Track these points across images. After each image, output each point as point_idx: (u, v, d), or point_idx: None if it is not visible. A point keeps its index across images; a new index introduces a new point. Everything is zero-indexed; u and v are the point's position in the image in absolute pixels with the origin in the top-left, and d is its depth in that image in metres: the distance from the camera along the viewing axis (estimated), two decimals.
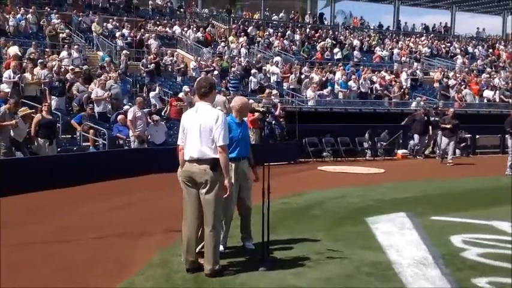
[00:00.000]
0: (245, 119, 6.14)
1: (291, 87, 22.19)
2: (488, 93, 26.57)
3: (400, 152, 18.44)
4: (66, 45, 19.58)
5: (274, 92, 20.08)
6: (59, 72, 15.66)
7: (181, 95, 16.89)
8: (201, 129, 5.01)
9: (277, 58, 24.59)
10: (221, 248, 5.51)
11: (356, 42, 30.28)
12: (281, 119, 16.92)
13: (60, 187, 10.00)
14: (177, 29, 25.91)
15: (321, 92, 21.84)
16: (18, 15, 21.47)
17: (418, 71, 27.29)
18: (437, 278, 5.14)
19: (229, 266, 5.30)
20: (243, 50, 25.03)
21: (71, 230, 7.06)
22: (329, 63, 25.61)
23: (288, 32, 29.36)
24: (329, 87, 22.34)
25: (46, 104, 12.42)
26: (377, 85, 23.83)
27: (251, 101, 13.76)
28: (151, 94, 17.08)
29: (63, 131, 13.68)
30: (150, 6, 29.61)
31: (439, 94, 24.67)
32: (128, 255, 5.86)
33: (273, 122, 16.28)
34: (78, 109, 14.57)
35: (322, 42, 28.70)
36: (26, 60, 16.08)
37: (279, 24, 32.54)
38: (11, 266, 5.37)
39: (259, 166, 5.46)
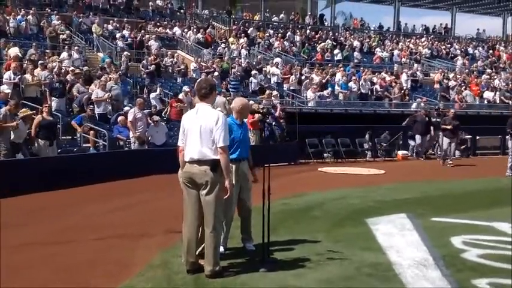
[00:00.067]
0: (245, 120, 6.14)
1: (291, 88, 22.20)
2: (488, 95, 26.59)
3: (400, 153, 18.45)
4: (66, 47, 19.60)
5: (275, 93, 20.10)
6: (60, 74, 15.67)
7: (181, 95, 16.90)
8: (202, 131, 5.01)
9: (278, 59, 24.61)
10: (221, 249, 5.51)
11: (356, 43, 30.30)
12: (281, 120, 16.93)
13: (60, 188, 10.00)
14: (177, 30, 25.94)
15: (321, 93, 21.86)
16: (19, 17, 21.51)
17: (418, 72, 27.29)
18: (437, 279, 5.14)
19: (229, 267, 5.30)
20: (243, 51, 25.04)
21: (71, 231, 7.06)
22: (329, 64, 25.62)
23: (288, 33, 29.38)
24: (329, 88, 22.35)
25: (46, 105, 12.42)
26: (377, 86, 23.84)
27: (251, 102, 13.80)
28: (152, 95, 17.09)
29: (64, 132, 13.68)
30: (150, 8, 29.66)
31: (439, 95, 24.67)
32: (128, 256, 5.86)
33: (273, 123, 16.29)
34: (79, 110, 14.58)
35: (323, 44, 28.73)
36: (26, 62, 16.08)
37: (279, 25, 32.58)
38: (11, 266, 5.37)
39: (260, 167, 5.46)
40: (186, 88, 17.27)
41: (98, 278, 5.10)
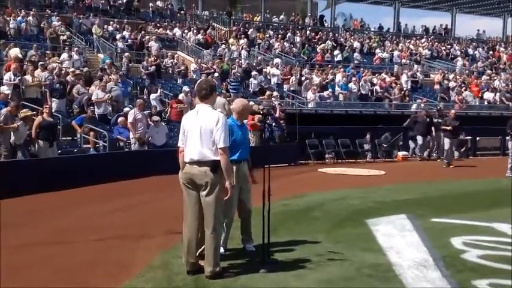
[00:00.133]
0: (245, 121, 6.14)
1: (291, 89, 22.22)
2: (488, 95, 26.60)
3: (400, 153, 18.44)
4: (66, 48, 19.64)
5: (275, 94, 20.11)
6: (60, 75, 15.67)
7: (181, 95, 16.91)
8: (202, 131, 5.01)
9: (278, 60, 24.63)
10: (222, 250, 5.51)
11: (356, 44, 30.33)
12: (281, 121, 16.94)
13: (60, 189, 10.00)
14: (177, 31, 25.96)
15: (322, 94, 21.86)
16: (19, 18, 21.52)
17: (418, 73, 27.32)
18: (437, 279, 5.14)
19: (229, 268, 5.30)
20: (244, 52, 25.06)
21: (72, 232, 7.06)
22: (329, 65, 25.64)
23: (289, 34, 29.43)
24: (329, 89, 22.36)
25: (47, 106, 12.42)
26: (377, 87, 23.86)
27: (251, 103, 13.80)
28: (152, 96, 17.09)
29: (64, 133, 13.68)
30: (150, 9, 29.72)
31: (439, 96, 24.69)
32: (128, 257, 5.86)
33: (273, 124, 16.30)
34: (79, 111, 14.59)
35: (323, 44, 28.77)
36: (26, 63, 16.09)
37: (280, 26, 32.61)
38: (11, 266, 5.37)
39: (260, 168, 5.46)
40: (186, 88, 17.29)
41: (98, 279, 5.10)
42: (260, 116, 9.96)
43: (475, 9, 41.90)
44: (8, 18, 21.11)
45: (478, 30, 39.21)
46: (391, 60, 29.76)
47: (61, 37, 20.85)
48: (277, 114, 16.76)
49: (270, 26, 32.07)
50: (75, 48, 19.53)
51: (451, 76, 28.06)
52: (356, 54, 28.63)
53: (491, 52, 34.90)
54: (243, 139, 5.83)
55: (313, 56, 27.49)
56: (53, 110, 13.28)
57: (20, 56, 16.67)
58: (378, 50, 30.41)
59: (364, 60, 28.80)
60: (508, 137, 13.98)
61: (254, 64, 23.37)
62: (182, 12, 31.77)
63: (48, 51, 19.53)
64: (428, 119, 17.75)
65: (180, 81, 20.62)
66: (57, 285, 4.94)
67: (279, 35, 28.65)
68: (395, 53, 30.33)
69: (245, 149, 5.87)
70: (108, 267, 5.47)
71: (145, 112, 14.21)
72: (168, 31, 26.07)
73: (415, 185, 11.80)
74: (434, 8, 42.52)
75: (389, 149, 18.59)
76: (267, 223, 5.39)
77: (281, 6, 38.47)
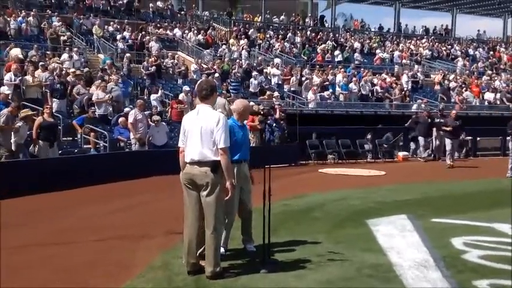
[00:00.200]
0: (245, 122, 6.15)
1: (291, 89, 22.23)
2: (489, 96, 26.59)
3: (400, 154, 18.43)
4: (67, 48, 19.64)
5: (275, 94, 20.11)
6: (60, 75, 15.69)
7: (181, 96, 16.92)
8: (202, 132, 5.01)
9: (278, 60, 24.63)
10: (222, 250, 5.51)
11: (357, 44, 30.33)
12: (281, 122, 16.94)
13: (61, 189, 10.01)
14: (177, 31, 25.97)
15: (322, 94, 21.86)
16: (20, 18, 21.52)
17: (418, 73, 27.34)
18: (438, 280, 5.14)
19: (230, 268, 5.30)
20: (244, 53, 25.07)
21: (72, 232, 7.06)
22: (330, 66, 25.64)
23: (289, 34, 29.43)
24: (330, 90, 22.35)
25: (48, 106, 12.43)
26: (378, 87, 23.87)
27: (252, 103, 13.81)
28: (153, 97, 17.10)
29: (64, 133, 13.69)
30: (151, 9, 29.72)
31: (439, 97, 24.69)
32: (128, 257, 5.86)
33: (274, 124, 16.29)
34: (79, 111, 14.60)
35: (323, 45, 28.78)
36: (27, 63, 16.11)
37: (280, 26, 32.61)
38: (11, 267, 5.38)
39: (260, 168, 5.45)
40: (186, 88, 17.29)
41: (98, 279, 5.10)
42: (260, 116, 9.95)
43: (475, 10, 41.91)
44: (8, 19, 21.11)
45: (479, 30, 39.27)
46: (391, 60, 29.76)
47: (61, 37, 20.87)
48: (277, 115, 16.76)
49: (271, 27, 32.08)
50: (76, 49, 19.55)
51: (451, 76, 28.05)
52: (356, 55, 28.64)
53: (491, 52, 34.90)
54: (244, 139, 5.83)
55: (313, 56, 27.49)
56: (54, 111, 13.28)
57: (20, 56, 16.69)
58: (378, 51, 30.42)
59: (365, 60, 28.80)
60: (508, 138, 13.98)
61: (254, 64, 23.38)
62: (182, 12, 31.78)
63: (48, 52, 19.54)
64: (429, 120, 17.70)
65: (180, 81, 20.63)
66: (57, 285, 4.94)
67: (280, 36, 28.65)
68: (396, 53, 30.33)
69: (246, 150, 5.88)
70: (108, 268, 5.47)
71: (145, 112, 14.21)
72: (168, 31, 26.09)
73: (415, 185, 11.78)
74: (435, 9, 42.55)
75: (389, 149, 18.59)
76: (268, 223, 5.40)
77: (281, 6, 38.48)
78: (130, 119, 13.31)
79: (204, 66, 21.90)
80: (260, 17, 34.20)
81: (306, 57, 26.91)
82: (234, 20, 31.94)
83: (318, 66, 25.57)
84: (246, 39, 26.84)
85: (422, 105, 22.42)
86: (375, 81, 24.36)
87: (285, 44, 27.64)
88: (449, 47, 34.40)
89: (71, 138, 13.85)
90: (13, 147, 10.95)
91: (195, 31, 26.33)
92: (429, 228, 7.37)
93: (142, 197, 10.03)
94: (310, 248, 6.11)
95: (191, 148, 5.07)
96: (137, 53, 22.17)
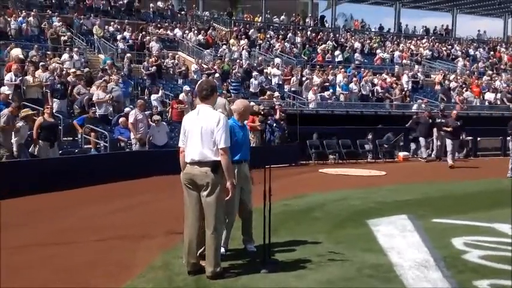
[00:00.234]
0: (245, 122, 6.15)
1: (292, 89, 22.22)
2: (489, 96, 26.58)
3: (401, 154, 18.42)
4: (67, 48, 19.65)
5: (276, 94, 20.11)
6: (61, 75, 15.69)
7: (182, 95, 16.92)
8: (203, 132, 5.01)
9: (278, 60, 24.63)
10: (222, 250, 5.51)
11: (357, 44, 30.34)
12: (282, 122, 16.94)
13: (61, 189, 10.01)
14: (178, 31, 25.98)
15: (322, 94, 21.86)
16: (20, 18, 21.53)
17: (419, 74, 27.33)
18: (438, 280, 5.14)
19: (230, 268, 5.30)
20: (244, 53, 25.07)
21: (72, 232, 7.07)
22: (330, 66, 25.64)
23: (289, 34, 29.43)
24: (330, 90, 22.35)
25: (48, 106, 12.43)
26: (378, 87, 23.86)
27: (252, 103, 13.80)
28: (153, 97, 17.11)
29: (65, 133, 13.69)
30: (151, 9, 29.73)
31: (440, 97, 24.68)
32: (129, 257, 5.87)
33: (274, 124, 16.29)
34: (80, 111, 14.61)
35: (323, 45, 28.78)
36: (27, 63, 16.12)
37: (280, 26, 32.61)
38: (11, 267, 5.38)
39: (260, 169, 5.45)
40: (186, 88, 17.30)
41: (99, 279, 5.10)
42: (261, 116, 9.95)
43: (475, 10, 41.91)
44: (9, 19, 21.12)
45: (479, 30, 39.25)
46: (391, 60, 29.76)
47: (62, 38, 20.88)
48: (277, 115, 16.76)
49: (271, 27, 32.08)
50: (76, 49, 19.55)
51: (451, 77, 28.04)
52: (357, 55, 28.63)
53: (492, 52, 34.89)
54: (244, 140, 5.84)
55: (313, 56, 27.49)
56: (54, 111, 13.29)
57: (21, 56, 16.69)
58: (378, 51, 30.42)
59: (365, 60, 28.80)
60: (508, 138, 13.99)
61: (255, 64, 23.38)
62: (183, 12, 31.80)
63: (49, 52, 19.54)
64: (430, 120, 17.66)
65: (180, 81, 20.63)
66: (57, 285, 4.94)
67: (280, 36, 28.64)
68: (396, 53, 30.32)
69: (246, 150, 5.88)
70: (108, 268, 5.47)
71: (146, 112, 14.22)
72: (168, 32, 26.09)
73: (416, 186, 11.78)
74: (435, 9, 42.56)
75: (390, 149, 18.58)
76: (268, 223, 5.40)
77: (282, 6, 38.46)
78: (131, 119, 13.32)
79: (205, 66, 21.90)
80: (260, 17, 34.20)
81: (306, 58, 26.91)
82: (235, 20, 31.95)
83: (318, 67, 25.57)
84: (246, 40, 26.84)
85: (423, 106, 22.41)
86: (375, 81, 24.35)
87: (285, 44, 27.64)
88: (450, 47, 34.39)
89: (71, 138, 13.85)
90: (14, 147, 10.96)
91: (196, 31, 26.33)
92: (430, 228, 7.37)
93: (143, 197, 10.03)
94: (310, 248, 6.11)
95: (191, 148, 5.07)
96: (138, 53, 22.17)
